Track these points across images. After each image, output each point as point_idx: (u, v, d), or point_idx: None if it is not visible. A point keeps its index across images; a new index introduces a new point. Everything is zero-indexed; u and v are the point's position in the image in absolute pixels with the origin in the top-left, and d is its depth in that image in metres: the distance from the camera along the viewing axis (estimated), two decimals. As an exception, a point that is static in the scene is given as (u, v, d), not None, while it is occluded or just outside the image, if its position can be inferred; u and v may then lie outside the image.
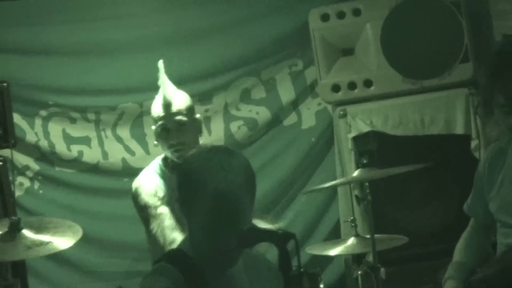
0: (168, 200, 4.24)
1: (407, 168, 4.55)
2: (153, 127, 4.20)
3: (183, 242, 2.88)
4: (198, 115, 4.25)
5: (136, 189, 4.26)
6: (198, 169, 2.69)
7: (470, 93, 5.25)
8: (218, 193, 2.60)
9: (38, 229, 4.02)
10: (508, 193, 3.44)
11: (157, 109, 4.13)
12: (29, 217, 5.04)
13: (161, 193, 4.26)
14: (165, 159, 4.19)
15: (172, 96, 4.13)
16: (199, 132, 4.20)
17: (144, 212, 4.29)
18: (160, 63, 4.23)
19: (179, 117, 4.09)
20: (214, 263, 2.72)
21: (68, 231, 4.13)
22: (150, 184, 4.28)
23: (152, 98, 4.45)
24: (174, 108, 4.09)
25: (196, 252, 2.75)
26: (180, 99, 4.16)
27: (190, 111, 4.12)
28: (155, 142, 4.26)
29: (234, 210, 2.59)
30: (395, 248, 4.57)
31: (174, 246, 3.70)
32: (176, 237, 4.17)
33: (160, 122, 4.09)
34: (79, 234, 4.04)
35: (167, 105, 4.07)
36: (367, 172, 4.43)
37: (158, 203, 4.28)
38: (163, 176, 4.22)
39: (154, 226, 4.29)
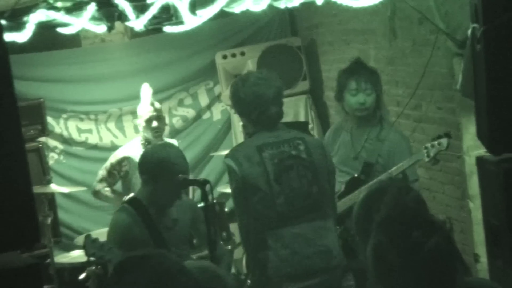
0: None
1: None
2: (139, 121, 5.41)
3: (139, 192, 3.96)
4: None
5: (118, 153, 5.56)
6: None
7: (307, 97, 6.68)
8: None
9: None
10: (342, 153, 4.57)
11: (147, 109, 5.36)
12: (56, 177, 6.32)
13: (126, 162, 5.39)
14: (144, 139, 5.39)
15: (155, 102, 5.47)
16: (165, 123, 5.62)
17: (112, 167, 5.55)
18: (146, 85, 5.48)
19: (160, 114, 5.49)
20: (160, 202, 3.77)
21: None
22: (121, 153, 5.53)
23: (127, 106, 6.27)
24: (158, 109, 5.46)
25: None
26: (159, 105, 5.54)
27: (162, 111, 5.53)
28: (140, 129, 5.42)
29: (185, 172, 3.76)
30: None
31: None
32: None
33: (150, 116, 5.31)
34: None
35: (155, 108, 5.40)
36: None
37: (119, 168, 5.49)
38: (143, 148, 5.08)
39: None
